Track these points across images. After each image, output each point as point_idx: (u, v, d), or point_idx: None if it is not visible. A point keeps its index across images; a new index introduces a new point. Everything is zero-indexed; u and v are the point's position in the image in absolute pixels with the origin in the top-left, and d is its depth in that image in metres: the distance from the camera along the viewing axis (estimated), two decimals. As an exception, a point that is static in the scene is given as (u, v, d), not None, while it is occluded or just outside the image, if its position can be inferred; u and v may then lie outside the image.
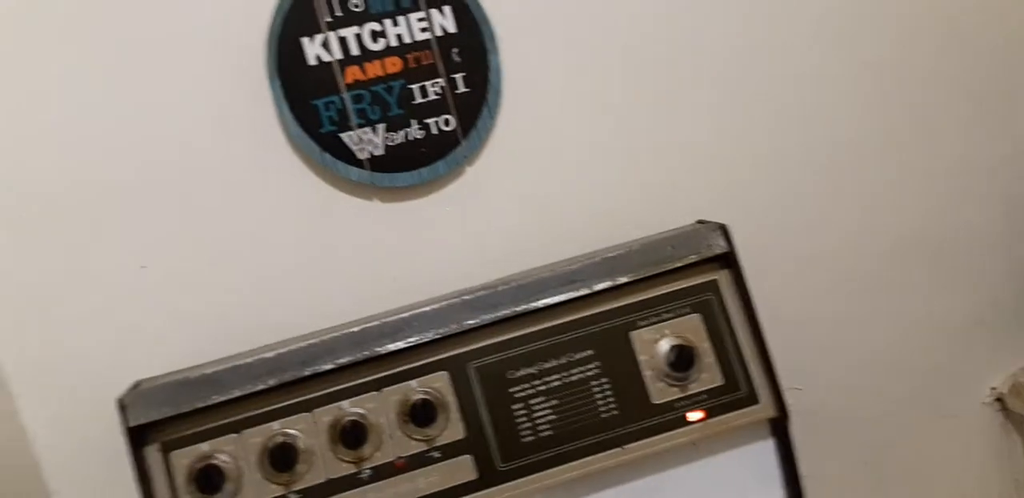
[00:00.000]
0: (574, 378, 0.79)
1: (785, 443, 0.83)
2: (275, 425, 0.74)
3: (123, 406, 0.72)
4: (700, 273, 0.83)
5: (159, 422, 0.73)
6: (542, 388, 0.79)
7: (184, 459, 0.72)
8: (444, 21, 0.85)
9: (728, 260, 0.83)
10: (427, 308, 0.79)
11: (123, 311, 0.81)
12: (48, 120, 0.79)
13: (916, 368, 0.94)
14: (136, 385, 0.76)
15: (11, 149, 0.79)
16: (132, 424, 0.72)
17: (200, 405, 0.73)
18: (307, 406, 0.75)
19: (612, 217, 0.89)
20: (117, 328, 0.81)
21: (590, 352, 0.80)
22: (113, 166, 0.80)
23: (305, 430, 0.74)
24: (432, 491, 0.75)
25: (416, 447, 0.76)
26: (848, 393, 0.93)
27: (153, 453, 0.73)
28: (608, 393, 0.80)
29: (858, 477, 0.93)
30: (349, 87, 0.84)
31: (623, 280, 0.81)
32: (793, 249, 0.91)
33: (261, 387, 0.74)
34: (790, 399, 0.82)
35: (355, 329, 0.77)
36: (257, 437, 0.73)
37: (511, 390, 0.78)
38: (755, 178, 0.91)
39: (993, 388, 0.96)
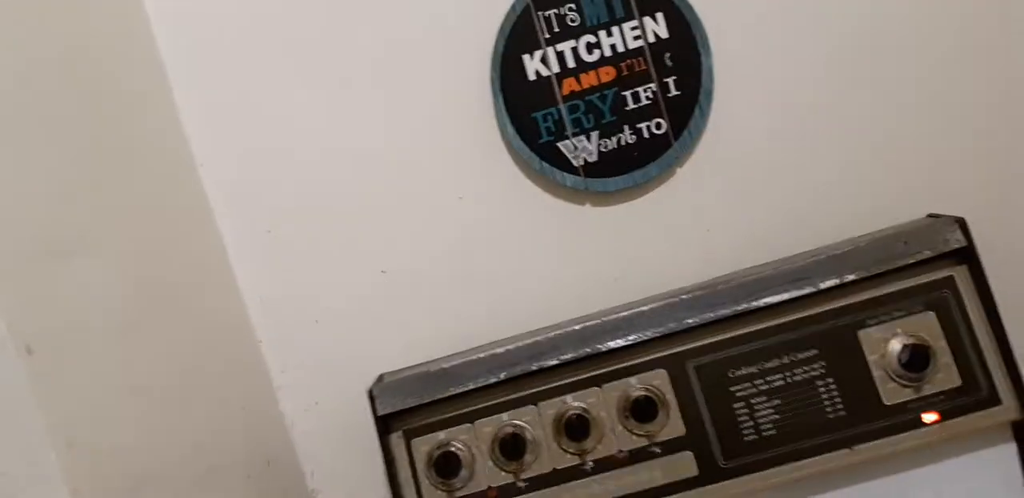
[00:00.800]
0: (798, 378, 0.78)
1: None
2: (504, 416, 0.78)
3: (372, 397, 0.79)
4: (934, 269, 0.78)
5: (403, 412, 0.79)
6: (764, 387, 0.78)
7: (424, 446, 0.78)
8: (657, 28, 0.87)
9: (966, 255, 0.78)
10: (646, 307, 0.80)
11: (367, 312, 0.89)
12: (307, 140, 0.89)
13: None
14: (380, 378, 0.83)
15: (273, 163, 0.89)
16: (380, 413, 0.79)
17: (438, 396, 0.78)
18: (533, 399, 0.78)
19: (831, 214, 0.86)
20: (362, 327, 0.89)
21: (814, 352, 0.78)
22: (358, 181, 0.89)
23: (532, 422, 0.78)
24: (655, 485, 0.76)
25: (637, 442, 0.77)
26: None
27: (397, 440, 0.79)
28: (835, 393, 0.77)
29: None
30: (565, 99, 0.87)
31: (851, 277, 0.78)
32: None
33: (492, 380, 0.79)
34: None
35: (578, 327, 0.80)
36: (488, 427, 0.78)
37: (732, 389, 0.78)
38: (988, 170, 0.85)
39: None
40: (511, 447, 0.76)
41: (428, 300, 0.88)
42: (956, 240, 0.78)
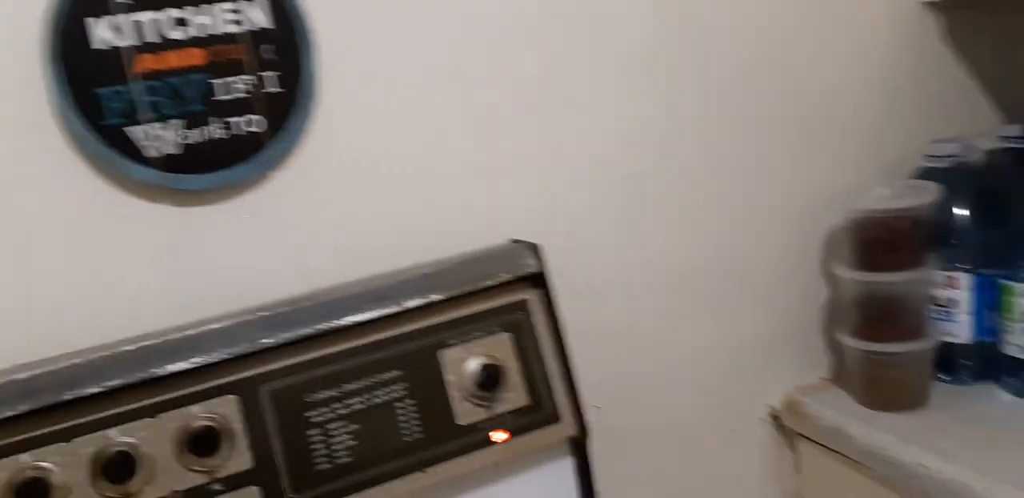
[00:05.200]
0: (378, 400, 0.72)
1: (584, 462, 0.79)
2: (24, 457, 0.60)
3: None
4: (511, 292, 0.78)
5: None
6: (343, 412, 0.70)
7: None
8: (256, 14, 0.75)
9: (538, 280, 0.78)
10: (218, 325, 0.68)
11: None
12: None
13: (703, 385, 0.94)
14: None
15: None
16: None
17: (-74, 436, 0.58)
18: (65, 435, 0.62)
19: (425, 234, 0.82)
20: None
21: (397, 372, 0.73)
22: None
23: (61, 463, 0.61)
24: (211, 529, 0.64)
25: (195, 480, 0.65)
26: (643, 410, 0.91)
27: None
28: (413, 415, 0.72)
29: (650, 491, 0.91)
30: (142, 77, 0.72)
31: (436, 297, 0.75)
32: (601, 269, 0.88)
33: (8, 414, 0.60)
34: (590, 418, 0.78)
35: (130, 347, 0.65)
36: (2, 471, 0.59)
37: (307, 414, 0.69)
38: (569, 198, 0.87)
39: (771, 406, 0.98)
40: (31, 495, 0.59)
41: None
42: (530, 265, 0.78)
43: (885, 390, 0.90)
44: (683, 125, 0.90)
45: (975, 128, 1.01)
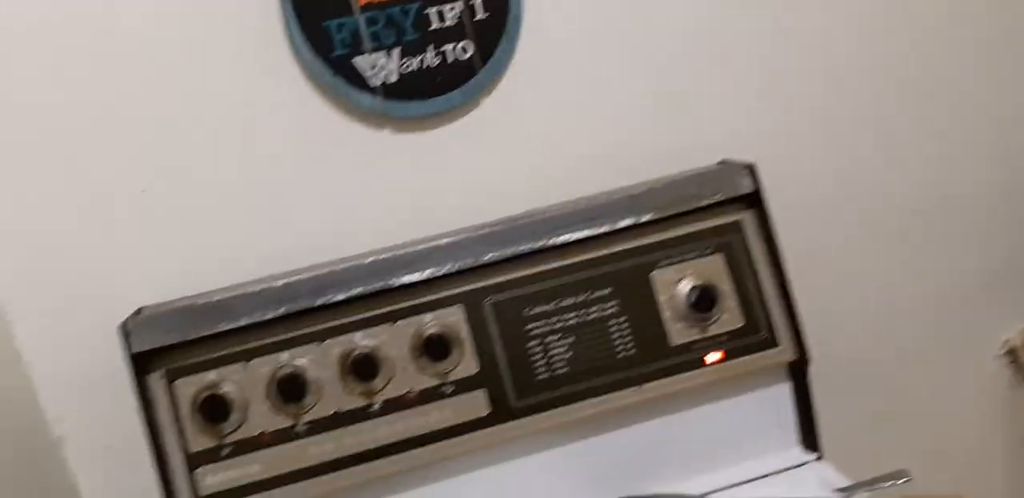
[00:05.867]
0: (592, 317, 0.73)
1: (803, 387, 0.77)
2: (284, 355, 0.67)
3: (126, 332, 0.65)
4: (725, 213, 0.76)
5: (163, 349, 0.66)
6: (559, 325, 0.72)
7: (189, 388, 0.65)
8: (467, -58, 0.76)
9: (753, 200, 0.76)
10: (444, 241, 0.71)
11: (124, 235, 0.73)
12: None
13: (932, 318, 0.88)
14: (139, 312, 0.69)
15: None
16: (135, 351, 0.65)
17: (206, 333, 0.66)
18: (318, 337, 0.68)
19: (636, 155, 0.81)
20: (119, 253, 0.73)
21: (609, 290, 0.73)
22: (112, 87, 0.71)
23: (315, 361, 0.67)
24: (445, 426, 0.69)
25: (429, 381, 0.69)
26: (866, 340, 0.87)
27: (157, 381, 0.66)
28: (626, 332, 0.73)
29: (869, 423, 0.88)
30: (363, 8, 0.75)
31: (646, 218, 0.74)
32: (821, 192, 0.84)
33: (270, 316, 0.67)
34: (811, 343, 0.76)
35: (369, 260, 0.70)
36: (265, 367, 0.66)
37: (527, 327, 0.71)
38: (784, 119, 0.83)
39: (1006, 341, 0.90)
40: (290, 388, 0.66)
41: (199, 225, 0.74)
42: (744, 185, 0.76)
43: None
44: (897, 49, 0.82)
45: None
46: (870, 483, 0.69)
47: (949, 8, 0.84)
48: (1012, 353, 0.90)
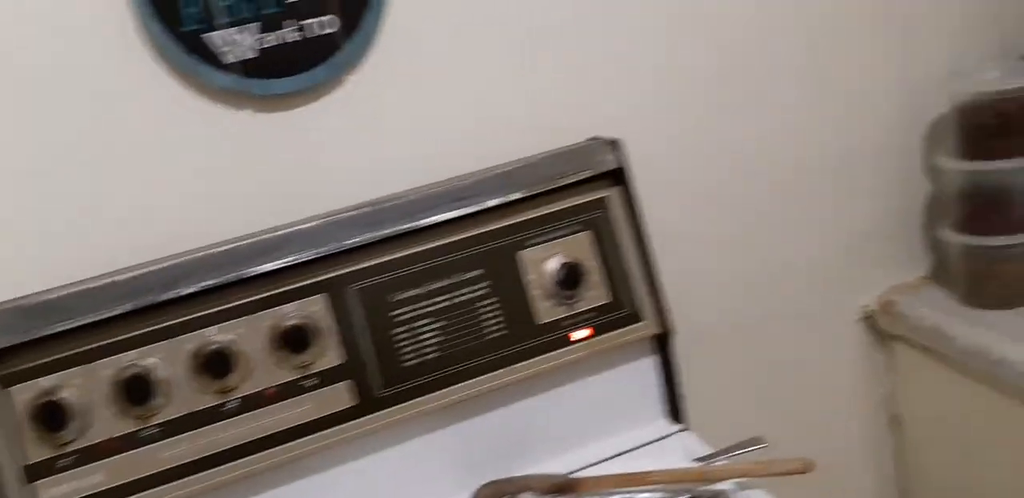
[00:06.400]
0: (461, 299, 0.71)
1: (667, 360, 0.78)
2: (130, 355, 0.63)
3: (-51, 337, 0.60)
4: (591, 190, 0.75)
5: (-6, 354, 0.61)
6: (428, 310, 0.71)
7: (24, 394, 0.61)
8: (320, -92, 0.71)
9: (619, 177, 0.75)
10: (304, 226, 0.68)
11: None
12: None
13: (792, 287, 0.90)
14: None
15: None
16: (-39, 356, 0.60)
17: (43, 334, 0.61)
18: (167, 334, 0.64)
19: (507, 133, 0.79)
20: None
21: (479, 272, 0.72)
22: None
23: (164, 360, 0.64)
24: (307, 420, 0.66)
25: (289, 375, 0.67)
26: (728, 311, 0.88)
27: (-11, 388, 0.61)
28: (496, 313, 0.72)
29: (733, 392, 0.90)
30: (214, -20, 0.69)
31: (514, 196, 0.73)
32: (682, 166, 0.84)
33: (115, 313, 0.63)
34: (676, 316, 0.76)
35: (223, 249, 0.66)
36: (108, 369, 0.62)
37: (394, 313, 0.70)
38: (651, 95, 0.82)
39: (864, 306, 0.93)
40: (135, 390, 0.62)
41: (32, 217, 0.68)
42: (610, 161, 0.75)
43: (991, 286, 0.85)
44: (774, 14, 0.82)
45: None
46: (726, 451, 0.71)
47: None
48: (870, 318, 0.93)
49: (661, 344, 0.78)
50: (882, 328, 0.93)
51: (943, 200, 0.88)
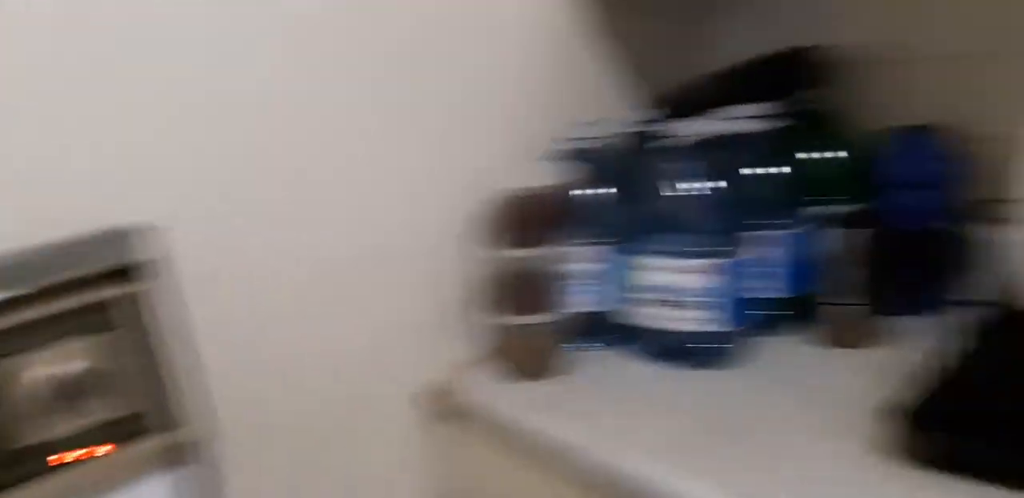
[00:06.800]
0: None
1: (206, 469, 0.71)
2: None
3: None
4: (104, 285, 0.67)
5: None
6: None
7: None
8: None
9: (141, 269, 0.68)
10: None
11: None
12: None
13: (345, 372, 0.88)
14: None
15: None
16: None
17: None
18: None
19: (14, 219, 0.66)
20: None
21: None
22: None
23: None
24: None
25: None
26: (279, 407, 0.83)
27: None
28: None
29: (284, 493, 0.85)
30: None
31: (6, 296, 0.62)
32: (234, 256, 0.78)
33: None
34: (215, 421, 0.70)
35: None
36: None
37: None
38: (189, 182, 0.75)
39: (415, 390, 0.95)
40: None
41: None
42: (128, 253, 0.67)
43: (520, 361, 0.91)
44: (311, 104, 0.82)
45: (614, 111, 1.05)
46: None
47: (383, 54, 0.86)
48: (425, 398, 0.95)
49: (199, 451, 0.71)
50: (437, 407, 0.95)
51: (492, 284, 0.94)
